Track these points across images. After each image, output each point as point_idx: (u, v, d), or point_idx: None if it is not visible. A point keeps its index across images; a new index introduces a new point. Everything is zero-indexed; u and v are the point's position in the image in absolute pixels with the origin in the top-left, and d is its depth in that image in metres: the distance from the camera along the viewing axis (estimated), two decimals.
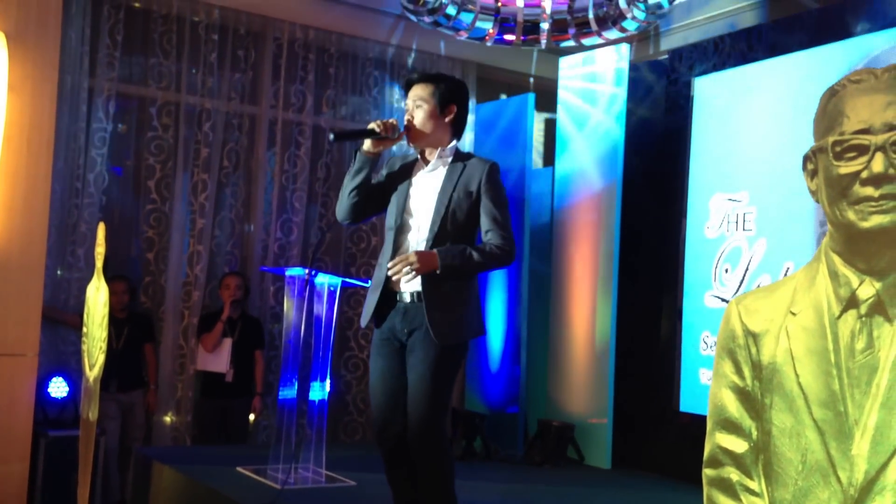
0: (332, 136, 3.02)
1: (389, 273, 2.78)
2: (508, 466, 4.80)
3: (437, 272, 2.74)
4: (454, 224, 2.85)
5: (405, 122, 2.95)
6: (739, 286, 4.42)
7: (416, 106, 2.94)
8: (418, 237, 2.89)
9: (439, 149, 2.96)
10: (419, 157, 3.03)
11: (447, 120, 2.96)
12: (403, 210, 2.94)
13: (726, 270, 4.52)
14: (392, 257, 2.86)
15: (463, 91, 3.03)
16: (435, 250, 2.77)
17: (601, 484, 4.53)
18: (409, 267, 2.72)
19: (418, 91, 2.95)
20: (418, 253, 2.75)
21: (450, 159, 2.96)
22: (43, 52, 4.25)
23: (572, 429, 4.92)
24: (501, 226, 2.85)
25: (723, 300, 4.53)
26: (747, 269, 4.40)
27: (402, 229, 2.93)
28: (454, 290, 2.82)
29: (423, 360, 2.77)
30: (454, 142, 3.00)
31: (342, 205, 3.00)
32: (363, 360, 5.78)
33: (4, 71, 4.13)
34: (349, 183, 2.96)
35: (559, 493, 4.29)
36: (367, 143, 2.93)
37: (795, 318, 1.25)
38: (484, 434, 4.97)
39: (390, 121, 2.93)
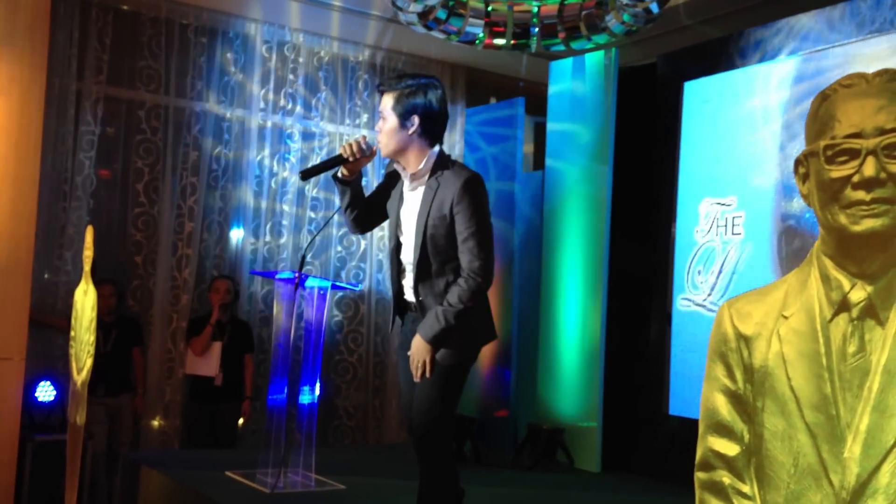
0: (301, 176, 3.02)
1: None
2: (498, 470, 4.80)
3: (434, 349, 2.78)
4: (435, 248, 2.83)
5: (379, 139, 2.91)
6: (710, 289, 4.43)
7: (381, 119, 2.86)
8: (407, 259, 2.93)
9: (413, 166, 2.86)
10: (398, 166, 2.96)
11: (411, 133, 2.83)
12: (396, 227, 2.96)
13: (699, 272, 4.54)
14: (393, 276, 2.99)
15: (426, 94, 2.83)
16: (420, 338, 2.78)
17: (591, 487, 4.53)
18: (420, 369, 2.80)
19: (384, 101, 2.85)
20: (413, 356, 2.81)
21: (426, 176, 2.86)
22: (31, 55, 4.23)
23: (562, 432, 4.92)
24: (470, 248, 2.76)
25: (697, 304, 4.55)
26: (734, 273, 4.41)
27: (397, 248, 2.96)
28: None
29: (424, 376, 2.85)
30: (431, 150, 2.88)
31: (346, 222, 3.09)
32: (352, 363, 5.77)
33: None
34: (341, 205, 3.01)
35: (549, 496, 4.29)
36: (342, 169, 2.92)
37: (787, 321, 1.26)
38: (474, 438, 4.96)
39: (357, 141, 2.87)
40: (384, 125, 2.84)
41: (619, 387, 4.96)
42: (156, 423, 5.13)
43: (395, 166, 2.96)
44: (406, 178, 2.91)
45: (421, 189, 2.87)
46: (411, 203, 2.91)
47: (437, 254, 2.83)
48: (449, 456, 2.92)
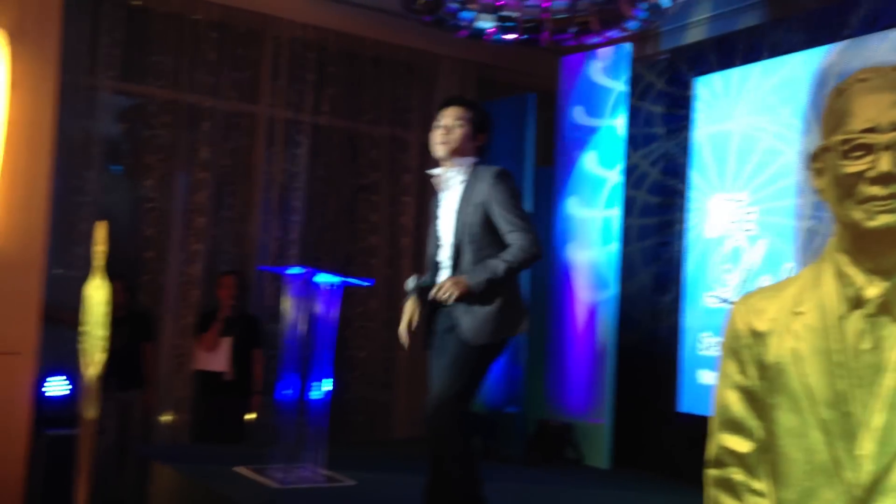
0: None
1: (429, 298, 3.06)
2: (508, 466, 4.79)
3: (473, 292, 2.94)
4: (471, 238, 3.04)
5: (441, 139, 3.13)
6: (738, 286, 4.41)
7: (457, 125, 3.15)
8: (445, 254, 3.14)
9: (457, 167, 3.15)
10: (438, 169, 3.21)
11: (477, 144, 3.20)
12: (436, 230, 3.22)
13: (727, 269, 4.51)
14: (434, 274, 3.20)
15: (491, 123, 3.27)
16: (464, 276, 2.98)
17: (600, 484, 4.52)
18: (445, 295, 2.94)
19: (459, 112, 3.16)
20: (451, 280, 2.98)
21: (466, 175, 3.13)
22: (43, 50, 4.24)
23: (571, 429, 4.91)
24: (517, 225, 3.01)
25: (722, 300, 4.52)
26: (749, 270, 4.39)
27: (437, 249, 3.20)
28: (483, 293, 2.96)
29: (449, 353, 3.00)
30: (474, 160, 3.19)
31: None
32: (361, 359, 5.77)
33: (6, 69, 4.12)
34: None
35: (558, 493, 4.28)
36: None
37: (801, 317, 1.25)
38: (483, 434, 4.96)
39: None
40: (457, 130, 3.14)
41: (629, 383, 4.94)
42: (166, 418, 5.15)
43: (437, 171, 3.22)
44: (447, 179, 3.18)
45: (458, 188, 3.14)
46: (449, 202, 3.17)
47: (472, 241, 3.03)
48: (459, 444, 2.95)
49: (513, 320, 3.06)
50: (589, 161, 5.10)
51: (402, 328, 3.19)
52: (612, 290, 4.89)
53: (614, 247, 4.91)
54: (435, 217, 3.23)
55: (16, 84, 4.15)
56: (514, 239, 2.99)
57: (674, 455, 4.66)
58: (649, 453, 4.87)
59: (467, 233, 3.04)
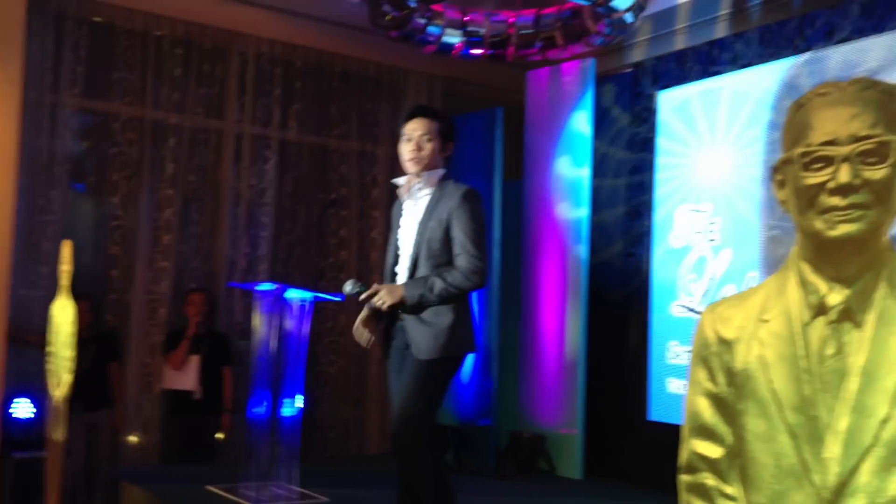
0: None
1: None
2: (480, 479, 4.80)
3: (405, 304, 3.00)
4: (429, 253, 3.06)
5: (412, 155, 3.13)
6: (702, 295, 4.48)
7: (426, 140, 3.14)
8: (403, 265, 3.15)
9: (427, 181, 3.15)
10: (404, 182, 3.21)
11: (445, 155, 3.22)
12: (396, 240, 3.22)
13: (692, 279, 4.58)
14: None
15: (456, 132, 3.28)
16: (401, 284, 3.04)
17: (573, 494, 4.55)
18: (379, 303, 3.02)
19: (427, 125, 3.15)
20: (386, 287, 3.05)
21: (433, 188, 3.15)
22: (6, 68, 4.20)
23: (543, 440, 4.94)
24: (469, 250, 3.02)
25: (689, 310, 4.59)
26: (712, 279, 4.46)
27: (396, 261, 3.21)
28: (435, 309, 3.01)
29: (408, 371, 3.03)
30: (442, 171, 3.20)
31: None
32: (332, 375, 5.75)
33: None
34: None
35: None
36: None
37: (767, 325, 1.28)
38: (456, 447, 4.96)
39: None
40: (427, 145, 3.13)
41: (600, 393, 4.98)
42: (134, 438, 5.08)
43: (402, 179, 3.22)
44: (413, 190, 3.18)
45: (424, 200, 3.16)
46: (413, 213, 3.18)
47: (430, 257, 3.06)
48: (426, 461, 2.98)
49: (464, 337, 3.08)
50: (556, 174, 5.16)
51: (361, 333, 3.16)
52: (583, 300, 4.93)
53: (583, 258, 4.96)
54: (396, 227, 3.24)
55: None
56: (462, 262, 3.01)
57: (645, 463, 4.70)
58: (621, 462, 4.91)
59: (426, 247, 3.06)
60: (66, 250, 3.28)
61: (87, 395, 4.76)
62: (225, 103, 5.51)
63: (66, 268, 3.29)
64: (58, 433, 3.20)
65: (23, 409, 4.53)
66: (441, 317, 3.00)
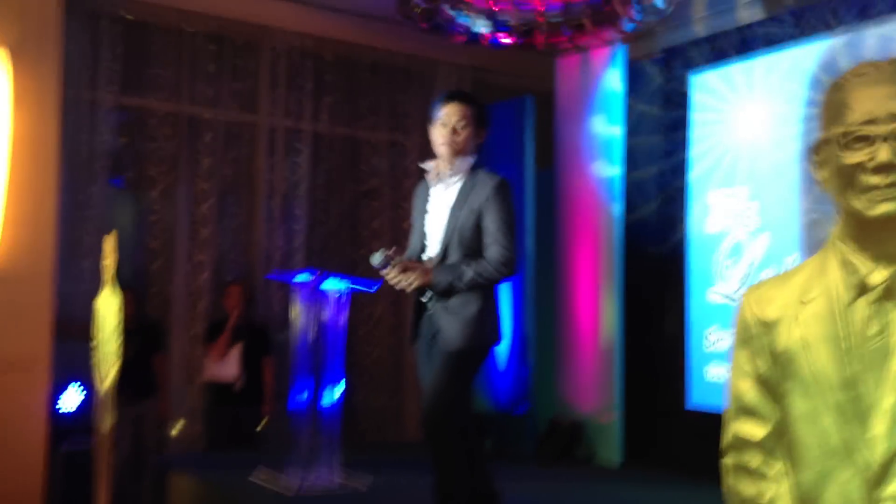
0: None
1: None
2: (519, 466, 4.82)
3: (433, 288, 3.01)
4: (460, 239, 3.06)
5: (442, 139, 3.12)
6: (740, 281, 4.45)
7: (462, 125, 3.12)
8: (433, 251, 3.15)
9: (459, 167, 3.14)
10: (434, 167, 3.19)
11: (478, 142, 3.21)
12: (423, 225, 3.22)
13: (727, 266, 4.55)
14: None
15: (489, 118, 3.27)
16: (431, 267, 3.04)
17: (611, 481, 4.55)
18: (407, 281, 3.00)
19: (463, 110, 3.13)
20: (421, 270, 3.03)
21: (464, 175, 3.14)
22: (45, 66, 4.28)
23: (582, 427, 4.94)
24: (499, 240, 3.03)
25: (725, 296, 4.56)
26: (751, 264, 4.43)
27: (423, 247, 3.21)
28: (463, 299, 3.02)
29: (437, 361, 3.04)
30: (473, 158, 3.19)
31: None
32: (366, 366, 5.80)
33: (8, 85, 4.15)
34: None
35: (570, 491, 4.31)
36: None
37: (808, 306, 1.28)
38: (494, 434, 4.99)
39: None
40: (463, 131, 3.11)
41: (637, 380, 4.97)
42: (179, 428, 5.17)
43: (432, 164, 3.20)
44: (444, 176, 3.16)
45: (455, 186, 3.14)
46: (443, 199, 3.16)
47: (461, 244, 3.06)
48: (458, 450, 3.00)
49: (491, 327, 3.09)
50: (588, 161, 5.14)
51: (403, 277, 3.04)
52: (619, 286, 4.92)
53: (618, 244, 4.95)
54: (423, 211, 3.22)
55: (19, 100, 4.19)
56: (492, 253, 3.02)
57: (684, 451, 4.69)
58: (660, 450, 4.90)
59: (458, 235, 3.06)
60: (109, 244, 3.35)
61: (132, 387, 4.85)
62: (258, 97, 5.57)
63: (109, 261, 3.36)
64: (105, 424, 3.27)
65: (71, 399, 4.62)
66: (468, 307, 3.01)
